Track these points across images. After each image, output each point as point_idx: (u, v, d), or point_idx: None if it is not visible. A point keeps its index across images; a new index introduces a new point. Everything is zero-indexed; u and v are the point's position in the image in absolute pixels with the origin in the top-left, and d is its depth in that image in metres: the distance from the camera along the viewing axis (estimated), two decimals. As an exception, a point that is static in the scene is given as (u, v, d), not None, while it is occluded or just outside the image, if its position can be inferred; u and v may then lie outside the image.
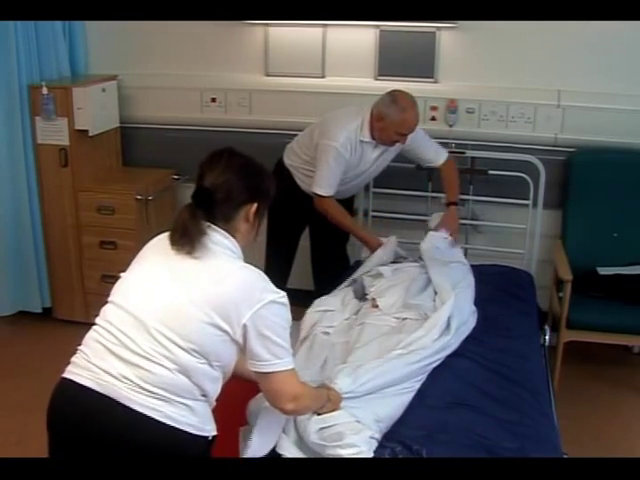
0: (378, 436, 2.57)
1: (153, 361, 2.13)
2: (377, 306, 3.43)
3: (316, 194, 4.00)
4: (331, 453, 2.43)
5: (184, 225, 2.22)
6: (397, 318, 3.33)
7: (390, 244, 4.01)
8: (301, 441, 2.53)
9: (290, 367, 2.26)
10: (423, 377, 2.98)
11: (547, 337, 3.85)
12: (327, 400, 2.54)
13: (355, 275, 3.83)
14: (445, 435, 2.61)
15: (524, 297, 3.96)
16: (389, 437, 2.59)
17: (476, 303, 3.53)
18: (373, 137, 3.96)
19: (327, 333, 3.24)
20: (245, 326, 2.16)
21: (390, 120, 3.86)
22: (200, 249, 2.21)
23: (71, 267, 4.92)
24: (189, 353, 2.14)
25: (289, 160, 4.21)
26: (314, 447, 2.48)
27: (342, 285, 3.77)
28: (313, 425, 2.48)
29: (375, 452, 2.48)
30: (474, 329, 3.39)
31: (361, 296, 3.61)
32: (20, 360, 4.63)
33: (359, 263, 4.08)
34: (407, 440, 2.53)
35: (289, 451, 2.49)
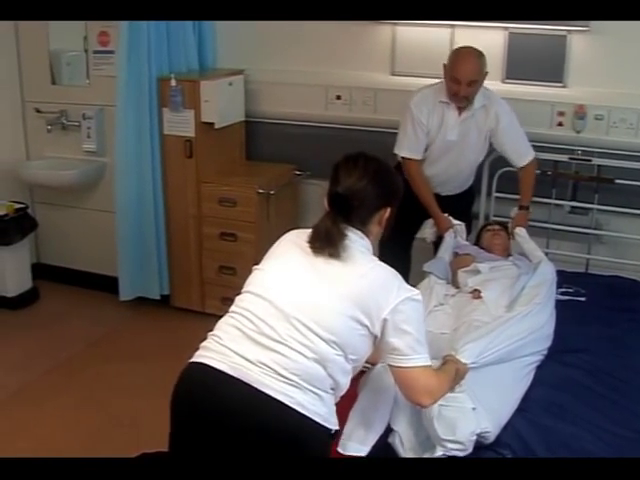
0: (491, 428, 2.56)
1: (291, 347, 2.19)
2: (480, 297, 3.46)
3: (400, 156, 4.15)
4: (438, 443, 2.48)
5: (327, 232, 2.30)
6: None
7: (459, 231, 4.17)
8: (414, 418, 2.61)
9: (428, 363, 2.30)
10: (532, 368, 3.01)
11: (674, 356, 3.72)
12: (456, 375, 2.59)
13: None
14: (552, 446, 2.57)
15: (647, 311, 3.84)
16: (496, 443, 2.58)
17: (594, 315, 3.45)
18: None
19: None
20: (385, 320, 2.24)
21: (447, 65, 3.98)
22: (341, 251, 2.28)
23: (190, 257, 5.01)
24: (328, 344, 2.20)
25: None
26: (428, 426, 2.52)
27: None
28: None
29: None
30: (590, 341, 3.32)
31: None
32: (136, 344, 4.75)
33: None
34: (514, 446, 2.53)
35: (401, 427, 2.60)
